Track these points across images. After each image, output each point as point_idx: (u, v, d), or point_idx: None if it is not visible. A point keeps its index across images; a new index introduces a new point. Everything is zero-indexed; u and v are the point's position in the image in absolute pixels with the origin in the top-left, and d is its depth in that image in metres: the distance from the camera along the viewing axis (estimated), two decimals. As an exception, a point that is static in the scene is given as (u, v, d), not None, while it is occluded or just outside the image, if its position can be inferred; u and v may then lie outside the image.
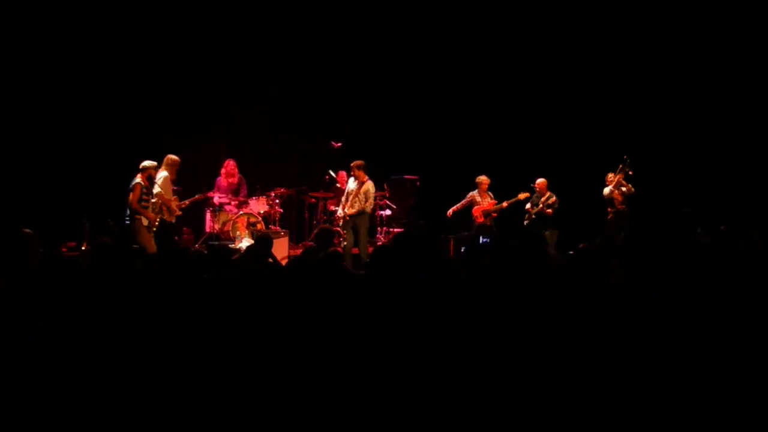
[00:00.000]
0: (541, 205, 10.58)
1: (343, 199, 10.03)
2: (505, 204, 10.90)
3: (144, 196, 8.54)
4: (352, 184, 9.96)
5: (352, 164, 9.92)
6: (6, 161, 9.79)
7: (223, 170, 10.90)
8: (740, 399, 3.01)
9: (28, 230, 6.06)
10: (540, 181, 10.75)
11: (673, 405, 3.00)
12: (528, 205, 10.75)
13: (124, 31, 10.71)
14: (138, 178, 8.54)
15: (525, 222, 10.77)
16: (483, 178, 11.00)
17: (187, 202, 9.66)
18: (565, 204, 10.80)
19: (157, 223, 8.71)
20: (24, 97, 9.99)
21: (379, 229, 11.65)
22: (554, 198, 10.60)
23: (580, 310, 3.46)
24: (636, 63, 11.60)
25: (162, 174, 8.92)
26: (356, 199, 9.81)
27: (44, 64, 10.17)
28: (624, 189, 10.31)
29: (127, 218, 8.52)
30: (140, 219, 8.49)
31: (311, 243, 8.76)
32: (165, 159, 9.08)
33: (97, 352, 3.36)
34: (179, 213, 9.32)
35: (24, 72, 10.01)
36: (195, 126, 11.80)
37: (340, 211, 10.04)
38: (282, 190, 11.13)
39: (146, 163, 8.64)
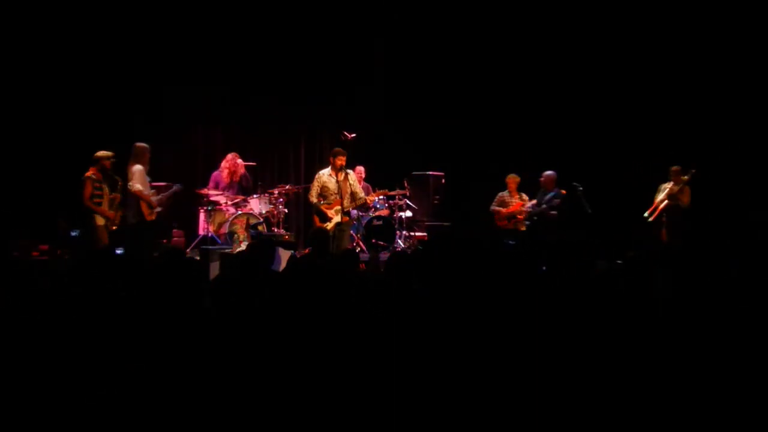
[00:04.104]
0: (545, 206, 9.45)
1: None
2: (530, 204, 9.80)
3: (97, 192, 7.45)
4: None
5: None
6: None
7: (224, 164, 9.62)
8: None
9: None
10: (547, 174, 9.58)
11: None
12: (528, 206, 9.67)
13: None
14: (89, 172, 7.45)
15: (526, 224, 9.68)
16: (511, 177, 9.86)
17: (163, 199, 8.31)
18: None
19: (117, 222, 7.68)
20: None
21: (398, 233, 10.27)
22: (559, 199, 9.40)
23: (631, 326, 3.15)
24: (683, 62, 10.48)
25: (136, 168, 7.90)
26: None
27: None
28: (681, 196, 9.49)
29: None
30: (95, 217, 7.45)
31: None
32: (134, 149, 8.00)
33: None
34: (159, 209, 8.23)
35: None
36: (190, 113, 10.81)
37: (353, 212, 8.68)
38: (287, 187, 9.92)
39: (99, 153, 7.54)
